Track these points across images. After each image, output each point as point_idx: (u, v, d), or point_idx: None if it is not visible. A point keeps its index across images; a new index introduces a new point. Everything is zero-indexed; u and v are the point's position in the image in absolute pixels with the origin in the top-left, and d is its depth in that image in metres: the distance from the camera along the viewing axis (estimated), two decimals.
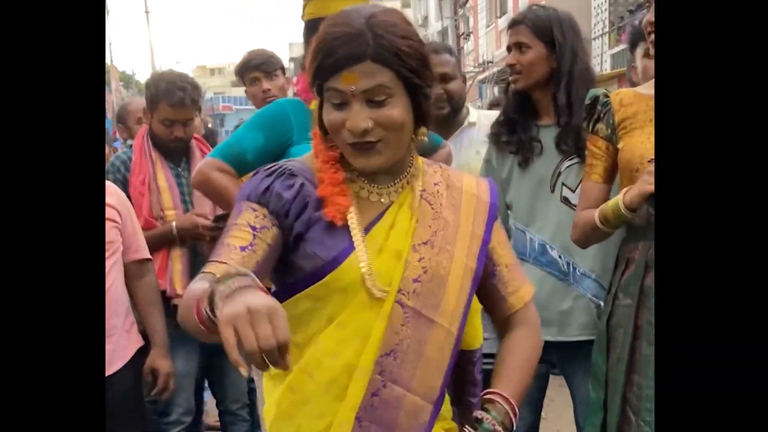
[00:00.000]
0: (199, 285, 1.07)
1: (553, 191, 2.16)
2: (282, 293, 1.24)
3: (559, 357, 2.20)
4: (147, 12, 25.62)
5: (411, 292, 1.23)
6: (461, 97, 2.64)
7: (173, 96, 2.59)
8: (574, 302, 2.11)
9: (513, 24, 2.22)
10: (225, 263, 1.13)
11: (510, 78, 2.21)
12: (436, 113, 2.49)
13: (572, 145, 2.11)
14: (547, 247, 2.14)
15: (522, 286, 1.39)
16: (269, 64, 3.14)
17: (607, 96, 1.87)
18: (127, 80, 36.15)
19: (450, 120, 2.54)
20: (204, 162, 2.13)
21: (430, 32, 29.81)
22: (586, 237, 1.90)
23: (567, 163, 2.14)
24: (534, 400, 2.25)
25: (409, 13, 37.65)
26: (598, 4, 18.46)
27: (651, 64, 2.34)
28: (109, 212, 2.26)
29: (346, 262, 1.20)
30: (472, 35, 25.40)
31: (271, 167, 1.26)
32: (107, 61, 23.81)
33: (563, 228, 2.08)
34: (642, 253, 1.76)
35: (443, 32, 24.72)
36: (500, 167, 2.26)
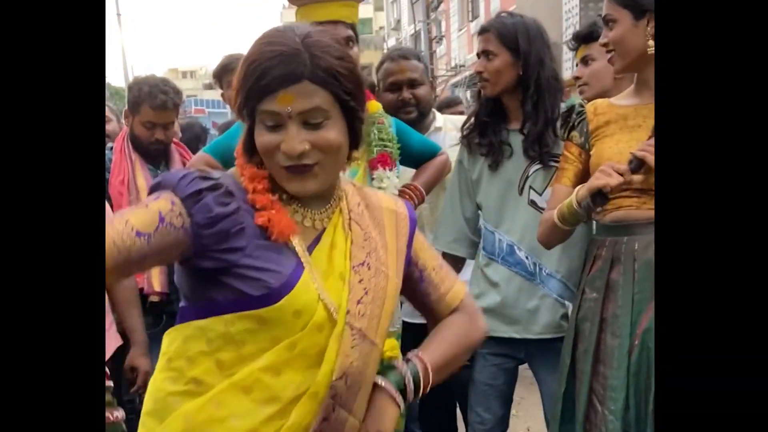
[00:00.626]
0: None
1: (521, 194, 2.23)
2: (209, 309, 1.18)
3: (527, 353, 2.28)
4: (119, 15, 25.28)
5: (357, 314, 1.21)
6: (428, 102, 2.71)
7: (155, 99, 2.65)
8: (540, 301, 2.19)
9: (481, 31, 2.28)
10: (114, 242, 1.05)
11: (478, 85, 2.28)
12: (403, 117, 2.55)
13: (537, 151, 2.19)
14: (515, 247, 2.22)
15: (455, 283, 1.39)
16: None
17: (582, 106, 1.97)
18: None
19: (417, 124, 2.59)
20: (196, 156, 2.28)
21: (403, 36, 29.91)
22: (547, 236, 1.99)
23: (535, 167, 2.21)
24: (503, 394, 2.32)
25: (381, 17, 37.73)
26: (569, 8, 18.69)
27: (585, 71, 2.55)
28: None
29: (300, 284, 1.16)
30: (444, 39, 25.57)
31: (208, 176, 1.17)
32: None
33: (530, 230, 2.16)
34: (608, 248, 1.85)
35: (416, 36, 24.84)
36: (471, 168, 2.33)
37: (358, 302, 1.21)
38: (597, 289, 1.86)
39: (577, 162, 1.96)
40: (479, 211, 2.35)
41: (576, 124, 1.96)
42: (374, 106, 2.27)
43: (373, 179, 2.18)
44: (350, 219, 1.27)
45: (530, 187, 2.22)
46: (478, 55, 2.28)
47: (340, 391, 1.19)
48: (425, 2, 22.21)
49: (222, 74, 3.24)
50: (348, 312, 1.20)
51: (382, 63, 2.71)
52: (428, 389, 1.27)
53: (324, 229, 1.24)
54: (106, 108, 3.71)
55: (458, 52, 24.48)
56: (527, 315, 2.20)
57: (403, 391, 1.25)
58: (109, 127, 3.55)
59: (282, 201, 1.21)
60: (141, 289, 2.55)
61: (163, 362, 1.23)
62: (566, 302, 2.16)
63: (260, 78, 1.12)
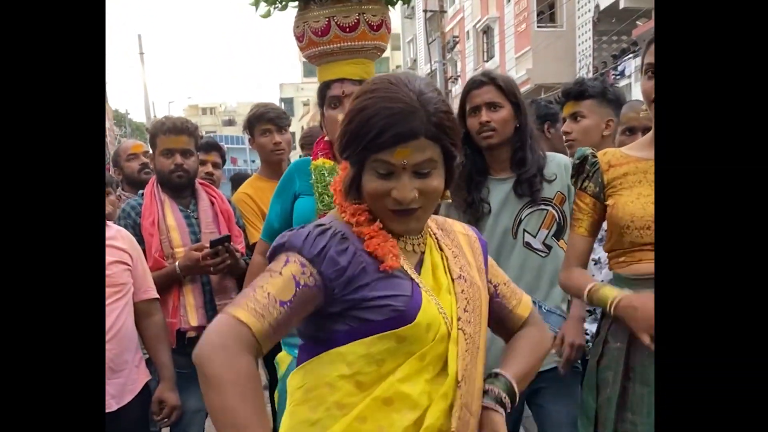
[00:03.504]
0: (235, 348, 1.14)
1: (515, 237, 2.33)
2: (347, 337, 1.27)
3: (529, 388, 2.36)
4: (141, 53, 25.88)
5: (465, 321, 1.33)
6: None
7: (166, 124, 2.79)
8: None
9: (480, 84, 2.34)
10: (263, 316, 1.18)
11: (483, 134, 2.32)
12: None
13: (528, 192, 2.30)
14: None
15: (522, 296, 1.53)
16: (282, 119, 3.32)
17: (595, 156, 2.00)
18: (120, 119, 36.45)
19: None
20: (257, 245, 2.51)
21: (419, 75, 30.27)
22: (571, 292, 2.11)
23: (527, 212, 2.32)
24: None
25: (398, 56, 38.21)
26: (583, 49, 18.94)
27: (575, 126, 2.68)
28: (121, 256, 2.39)
29: (424, 302, 1.28)
30: (459, 78, 25.87)
31: (322, 226, 1.28)
32: None
33: (526, 270, 2.30)
34: None
35: (432, 75, 25.16)
36: (462, 220, 2.41)
37: (465, 310, 1.34)
38: (620, 339, 1.89)
39: (592, 212, 2.00)
40: None
41: (590, 174, 2.00)
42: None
43: None
44: (438, 241, 1.40)
45: (524, 230, 2.33)
46: (476, 107, 2.34)
47: (463, 391, 1.30)
48: (441, 43, 22.57)
49: (256, 122, 3.32)
50: (459, 319, 1.32)
51: None
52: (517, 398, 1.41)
53: (423, 252, 1.37)
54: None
55: None
56: None
57: (502, 404, 1.37)
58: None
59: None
60: (178, 330, 2.61)
61: (300, 395, 1.31)
62: None
63: (380, 134, 1.22)
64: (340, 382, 1.27)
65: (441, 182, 1.29)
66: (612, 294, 1.84)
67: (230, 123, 54.64)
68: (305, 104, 46.64)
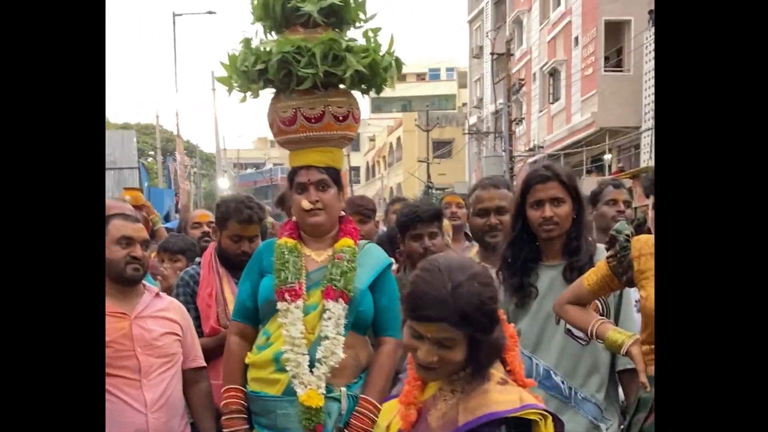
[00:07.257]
0: None
1: (558, 323, 2.39)
2: None
3: None
4: (213, 89, 26.92)
5: None
6: None
7: (241, 214, 2.94)
8: (575, 424, 2.32)
9: (545, 179, 2.42)
10: None
11: (545, 228, 2.40)
12: (488, 240, 2.81)
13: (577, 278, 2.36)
14: (551, 372, 2.38)
15: None
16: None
17: (628, 240, 2.13)
18: (191, 149, 37.73)
19: (499, 248, 2.78)
20: (230, 325, 2.60)
21: (484, 114, 30.33)
22: (567, 321, 2.31)
23: None
24: None
25: (464, 94, 38.34)
26: (649, 95, 18.66)
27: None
28: (173, 327, 2.58)
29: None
30: (524, 120, 25.80)
31: None
32: (174, 131, 24.96)
33: (566, 355, 2.37)
34: None
35: (497, 116, 25.19)
36: (509, 302, 2.48)
37: None
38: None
39: (601, 283, 2.18)
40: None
41: (618, 254, 2.13)
42: (342, 242, 2.47)
43: (326, 309, 2.37)
44: (452, 394, 1.63)
45: None
46: (538, 201, 2.41)
47: None
48: (507, 84, 22.62)
49: (282, 203, 3.58)
50: None
51: (474, 189, 2.95)
52: None
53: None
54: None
55: (537, 132, 24.65)
56: None
57: None
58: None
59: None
60: None
61: None
62: (601, 425, 2.32)
63: (414, 310, 1.55)
64: None
65: (459, 356, 1.54)
66: (622, 337, 2.10)
67: None
68: (371, 140, 47.17)
